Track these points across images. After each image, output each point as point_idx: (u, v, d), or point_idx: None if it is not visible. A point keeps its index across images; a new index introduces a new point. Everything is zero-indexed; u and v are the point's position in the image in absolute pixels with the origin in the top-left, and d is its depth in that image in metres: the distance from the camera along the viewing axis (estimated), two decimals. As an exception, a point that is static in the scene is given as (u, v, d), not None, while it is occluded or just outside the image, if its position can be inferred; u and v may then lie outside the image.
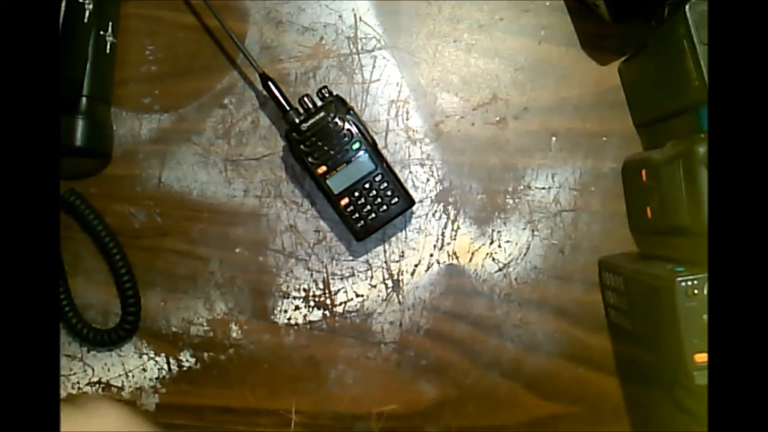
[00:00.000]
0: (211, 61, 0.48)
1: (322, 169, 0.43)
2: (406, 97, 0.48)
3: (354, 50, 0.48)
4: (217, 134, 0.48)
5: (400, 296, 0.48)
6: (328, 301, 0.48)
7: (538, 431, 0.48)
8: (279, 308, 0.48)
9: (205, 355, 0.48)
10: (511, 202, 0.48)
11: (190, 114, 0.48)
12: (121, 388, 0.49)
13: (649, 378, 0.46)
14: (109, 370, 0.49)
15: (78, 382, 0.49)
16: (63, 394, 0.48)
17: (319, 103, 0.43)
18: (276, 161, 0.48)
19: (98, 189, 0.48)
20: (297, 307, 0.48)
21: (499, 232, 0.48)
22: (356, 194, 0.43)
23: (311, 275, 0.48)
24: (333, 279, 0.48)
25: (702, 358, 0.35)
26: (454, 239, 0.48)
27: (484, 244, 0.48)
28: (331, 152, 0.43)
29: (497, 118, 0.48)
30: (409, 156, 0.48)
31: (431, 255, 0.48)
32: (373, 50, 0.48)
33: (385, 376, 0.48)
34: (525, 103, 0.47)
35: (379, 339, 0.48)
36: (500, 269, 0.48)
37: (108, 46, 0.46)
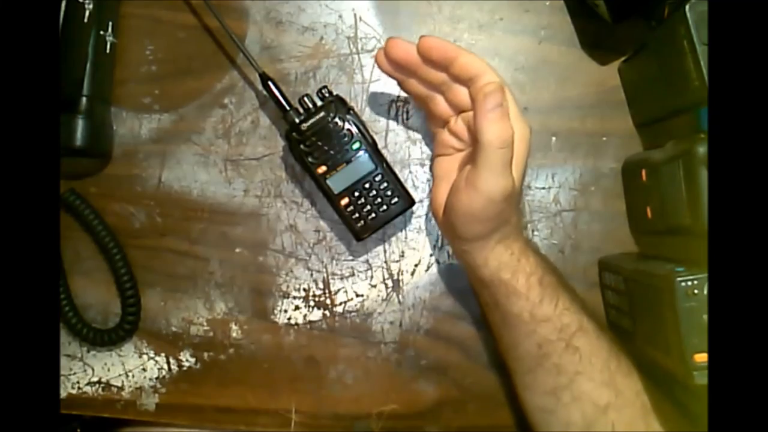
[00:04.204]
0: (211, 61, 0.48)
1: (322, 169, 0.43)
2: (406, 97, 0.48)
3: (354, 50, 0.48)
4: (217, 134, 0.48)
5: (400, 296, 0.48)
6: (328, 301, 0.48)
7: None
8: (279, 308, 0.48)
9: (205, 354, 0.48)
10: (511, 202, 0.48)
11: (190, 114, 0.48)
12: (121, 388, 0.49)
13: (649, 378, 0.46)
14: (109, 369, 0.49)
15: (78, 382, 0.49)
16: (63, 394, 0.48)
17: (319, 103, 0.43)
18: (276, 161, 0.48)
19: (98, 189, 0.48)
20: (297, 307, 0.48)
21: (499, 232, 0.48)
22: (356, 194, 0.43)
23: (311, 275, 0.48)
24: (333, 279, 0.48)
25: (702, 358, 0.35)
26: (454, 239, 0.48)
27: (484, 244, 0.48)
28: (331, 152, 0.43)
29: (497, 118, 0.48)
30: (409, 156, 0.48)
31: (431, 255, 0.48)
32: (373, 50, 0.48)
33: (385, 376, 0.48)
34: (525, 103, 0.47)
35: (379, 339, 0.48)
36: (500, 269, 0.48)
37: (108, 46, 0.46)
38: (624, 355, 0.40)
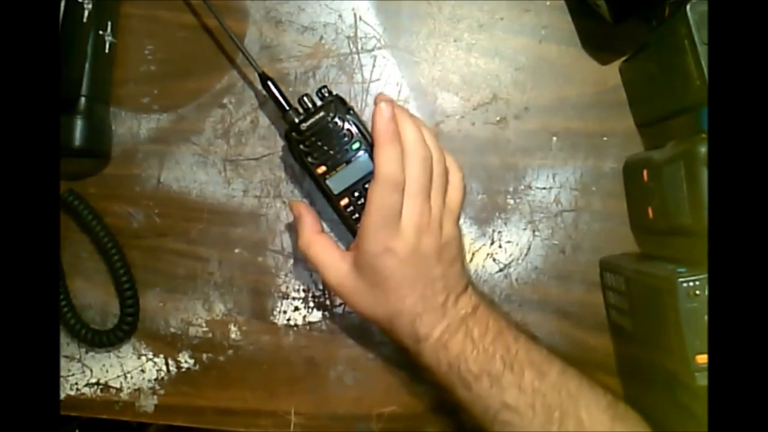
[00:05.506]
0: (210, 61, 0.48)
1: (322, 169, 0.43)
2: (406, 97, 0.48)
3: (354, 50, 0.48)
4: (217, 134, 0.48)
5: (400, 297, 0.48)
6: (328, 302, 0.48)
7: None
8: (278, 309, 0.48)
9: (204, 356, 0.48)
10: (511, 202, 0.48)
11: (189, 114, 0.48)
12: (120, 390, 0.48)
13: (649, 378, 0.46)
14: (107, 371, 0.48)
15: (77, 383, 0.48)
16: (61, 395, 0.48)
17: (319, 103, 0.43)
18: (275, 161, 0.48)
19: (97, 189, 0.48)
20: (296, 308, 0.48)
21: (499, 232, 0.48)
22: (356, 194, 0.43)
23: (311, 275, 0.48)
24: (333, 279, 0.48)
25: (703, 359, 0.35)
26: (455, 239, 0.48)
27: (484, 245, 0.48)
28: (331, 152, 0.42)
29: (498, 118, 0.48)
30: (409, 156, 0.48)
31: (431, 255, 0.48)
32: (373, 50, 0.48)
33: (385, 376, 0.48)
34: (525, 103, 0.47)
35: (379, 339, 0.48)
36: (501, 270, 0.48)
37: (107, 46, 0.45)
38: (581, 408, 0.39)
